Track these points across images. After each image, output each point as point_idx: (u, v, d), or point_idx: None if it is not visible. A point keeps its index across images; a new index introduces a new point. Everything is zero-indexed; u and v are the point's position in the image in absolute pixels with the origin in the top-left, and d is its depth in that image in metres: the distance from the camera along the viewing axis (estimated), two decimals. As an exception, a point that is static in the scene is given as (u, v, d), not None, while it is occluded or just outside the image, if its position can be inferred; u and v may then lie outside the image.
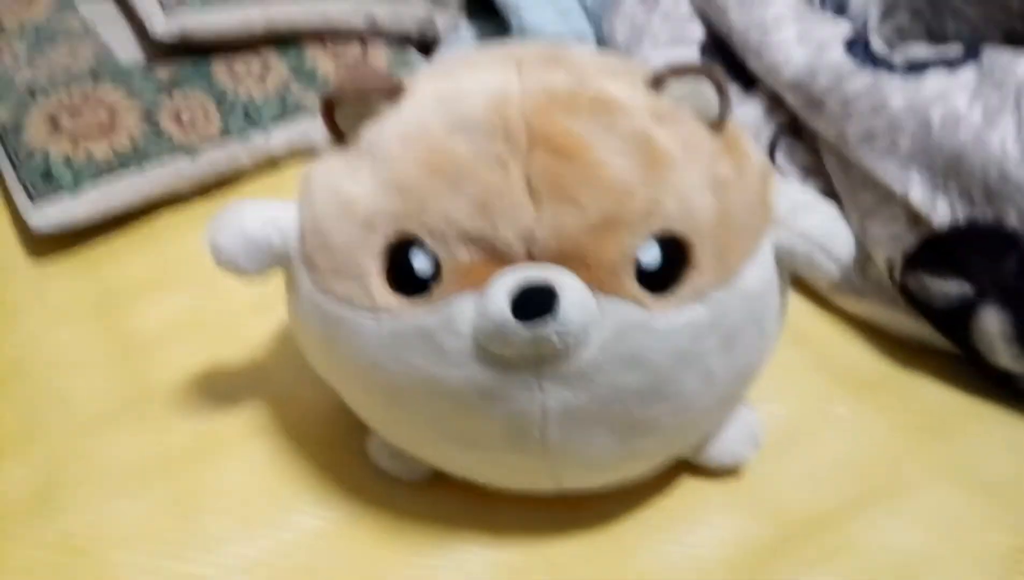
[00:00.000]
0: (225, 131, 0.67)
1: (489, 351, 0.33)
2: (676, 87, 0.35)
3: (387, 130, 0.36)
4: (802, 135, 0.58)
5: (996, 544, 0.41)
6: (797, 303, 0.56)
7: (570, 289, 0.32)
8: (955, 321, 0.47)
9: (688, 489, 0.44)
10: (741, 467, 0.44)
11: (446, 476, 0.42)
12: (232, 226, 0.39)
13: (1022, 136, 0.43)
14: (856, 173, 0.51)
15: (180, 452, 0.47)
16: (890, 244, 0.49)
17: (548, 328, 0.31)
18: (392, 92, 0.36)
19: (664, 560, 0.41)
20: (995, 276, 0.45)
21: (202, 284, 0.56)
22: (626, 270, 0.33)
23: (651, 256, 0.33)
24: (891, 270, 0.50)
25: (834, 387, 0.50)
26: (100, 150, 0.63)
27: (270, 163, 0.69)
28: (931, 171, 0.47)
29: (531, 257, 0.33)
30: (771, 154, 0.59)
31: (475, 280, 0.33)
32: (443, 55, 0.73)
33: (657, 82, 0.36)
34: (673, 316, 0.33)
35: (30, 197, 0.61)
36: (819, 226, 0.36)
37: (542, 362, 0.33)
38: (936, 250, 0.47)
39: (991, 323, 0.46)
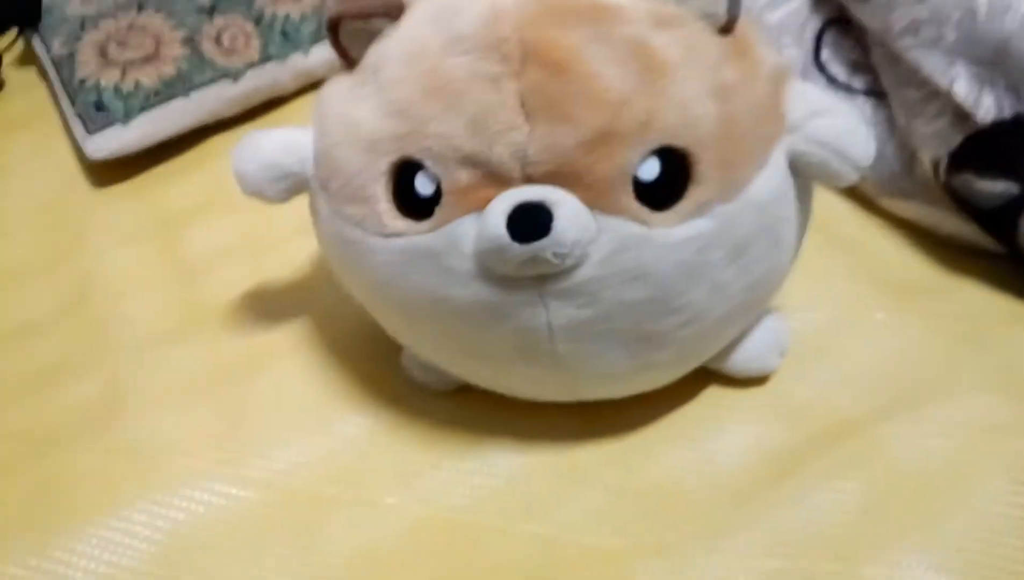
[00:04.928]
0: (265, 52, 0.68)
1: (491, 270, 0.34)
2: (681, -11, 0.34)
3: (388, 51, 0.36)
4: (849, 29, 0.54)
5: (1027, 450, 0.40)
6: (839, 206, 0.54)
7: (564, 208, 0.32)
8: (1001, 221, 0.45)
9: (712, 397, 0.44)
10: (766, 375, 0.44)
11: (474, 386, 0.43)
12: (252, 154, 0.40)
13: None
14: (902, 68, 0.48)
15: (231, 366, 0.49)
16: (936, 142, 0.46)
17: (543, 246, 0.32)
18: (393, 11, 0.36)
19: (684, 466, 0.42)
20: (1043, 173, 0.42)
21: (249, 207, 0.58)
22: (623, 187, 0.32)
23: (649, 171, 0.32)
24: (937, 169, 0.47)
25: (874, 292, 0.49)
26: (148, 78, 0.65)
27: (311, 82, 0.69)
28: (977, 63, 0.44)
29: (527, 177, 0.32)
30: (817, 50, 0.56)
31: (475, 202, 0.33)
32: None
33: (661, -16, 0.34)
34: (675, 230, 0.33)
35: (85, 127, 0.64)
36: (834, 131, 0.34)
37: (543, 279, 0.33)
38: (981, 147, 0.44)
39: (1040, 223, 0.43)
